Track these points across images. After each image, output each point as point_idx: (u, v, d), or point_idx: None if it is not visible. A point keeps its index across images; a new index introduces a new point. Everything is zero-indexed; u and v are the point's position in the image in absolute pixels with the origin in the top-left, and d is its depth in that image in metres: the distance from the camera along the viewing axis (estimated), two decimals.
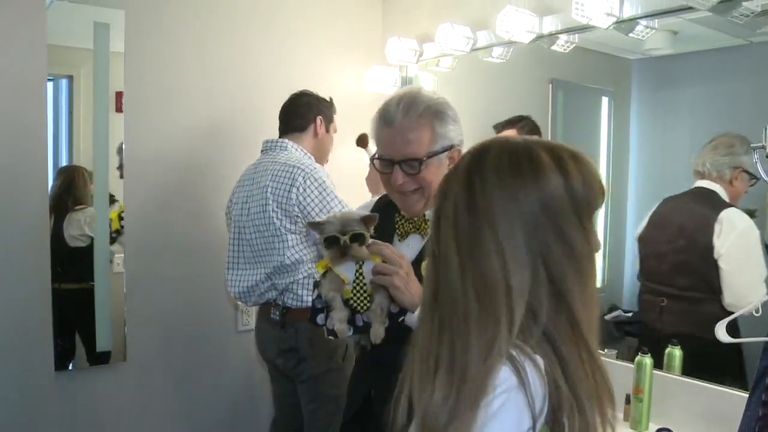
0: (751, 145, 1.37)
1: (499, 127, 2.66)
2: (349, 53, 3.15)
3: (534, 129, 2.60)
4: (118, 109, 2.48)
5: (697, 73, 2.37)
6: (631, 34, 2.25)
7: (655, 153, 2.53)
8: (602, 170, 2.63)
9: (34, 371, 2.18)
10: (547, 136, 2.70)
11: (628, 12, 2.21)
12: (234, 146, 2.81)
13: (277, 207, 2.26)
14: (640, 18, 2.21)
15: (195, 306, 2.75)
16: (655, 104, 2.52)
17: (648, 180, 2.54)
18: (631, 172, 2.56)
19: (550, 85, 2.77)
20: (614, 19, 2.23)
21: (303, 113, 2.44)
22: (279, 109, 2.82)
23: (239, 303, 2.46)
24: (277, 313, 2.32)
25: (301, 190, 2.23)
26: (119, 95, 2.48)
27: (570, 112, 2.82)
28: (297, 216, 2.25)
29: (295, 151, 2.39)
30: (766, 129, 1.29)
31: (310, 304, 2.06)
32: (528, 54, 2.70)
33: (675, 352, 2.18)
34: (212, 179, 2.76)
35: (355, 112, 3.04)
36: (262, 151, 2.45)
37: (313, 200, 2.24)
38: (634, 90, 2.55)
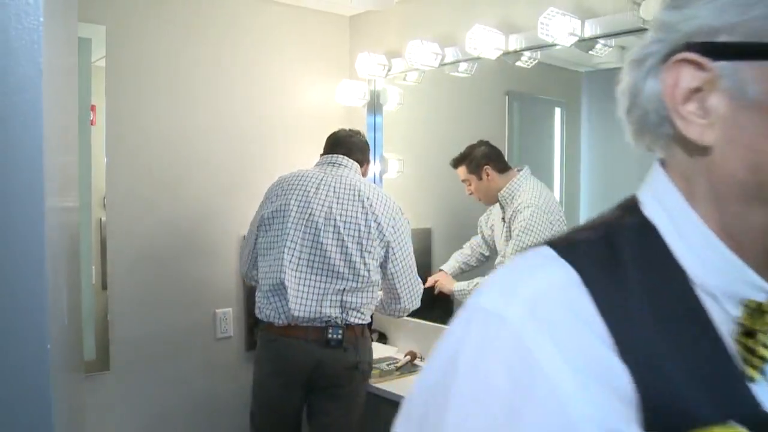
0: None
1: (452, 163, 2.69)
2: (320, 68, 3.16)
3: (486, 155, 2.62)
4: (91, 122, 2.44)
5: None
6: (590, 52, 2.32)
7: (604, 160, 2.57)
8: (556, 177, 2.68)
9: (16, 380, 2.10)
10: (504, 145, 2.72)
11: (588, 32, 2.28)
12: (211, 158, 2.80)
13: (376, 229, 2.25)
14: (600, 37, 2.28)
15: (175, 315, 2.72)
16: (605, 114, 2.52)
17: (598, 186, 2.58)
18: (583, 179, 2.60)
19: (507, 97, 2.81)
20: (576, 39, 2.29)
21: (363, 151, 2.47)
22: (254, 121, 2.90)
23: (292, 310, 2.20)
24: (340, 332, 2.23)
25: (398, 228, 2.28)
26: (92, 108, 2.44)
27: (525, 123, 2.86)
28: (382, 247, 2.25)
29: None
30: None
31: (367, 321, 2.27)
32: (487, 68, 2.73)
33: None
34: (191, 190, 2.74)
35: (325, 124, 3.07)
36: (332, 163, 2.40)
37: (403, 243, 2.30)
38: (584, 101, 2.59)
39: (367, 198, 2.26)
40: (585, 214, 2.61)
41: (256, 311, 2.33)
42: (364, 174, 2.48)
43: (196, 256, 2.77)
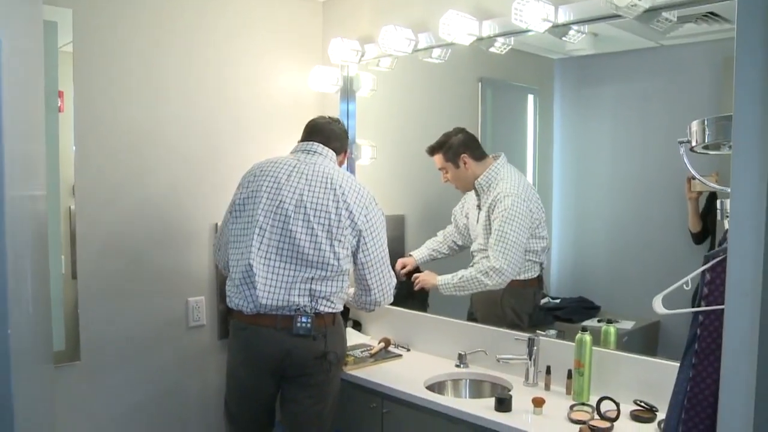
0: (678, 139, 1.37)
1: (428, 150, 2.67)
2: (292, 54, 3.11)
3: (463, 143, 2.60)
4: (59, 109, 2.36)
5: (614, 73, 2.43)
6: (564, 38, 2.30)
7: (576, 146, 2.57)
8: (529, 163, 2.68)
9: None
10: (477, 132, 2.72)
11: (562, 18, 2.27)
12: (183, 145, 2.74)
13: (348, 217, 2.20)
14: (573, 23, 2.26)
15: (146, 304, 2.68)
16: (577, 101, 2.56)
17: (570, 171, 2.60)
18: (555, 164, 2.61)
19: (480, 84, 2.80)
20: (550, 24, 2.27)
21: (341, 140, 2.42)
22: (226, 108, 2.84)
23: (260, 298, 2.15)
24: (308, 321, 2.17)
25: (371, 218, 2.24)
26: (60, 95, 2.36)
27: (498, 109, 2.85)
28: (354, 236, 2.21)
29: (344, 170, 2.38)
30: (689, 126, 1.31)
31: (339, 310, 2.23)
32: (460, 54, 2.70)
33: (610, 329, 2.27)
34: (162, 178, 2.69)
35: (299, 111, 3.06)
36: (306, 151, 2.34)
37: (376, 234, 2.25)
38: (557, 87, 2.58)
39: (340, 186, 2.22)
40: (558, 200, 2.61)
41: (227, 300, 2.29)
42: (341, 163, 2.44)
43: (168, 245, 2.72)
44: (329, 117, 2.46)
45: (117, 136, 2.56)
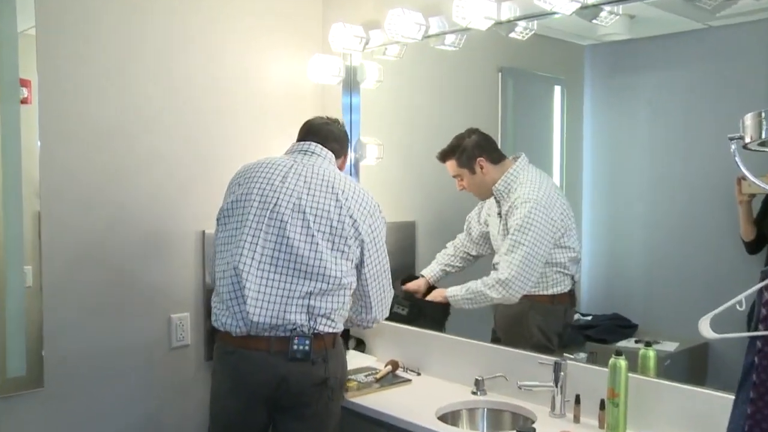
0: (728, 135, 1.29)
1: (440, 156, 2.63)
2: (288, 41, 3.01)
3: (478, 145, 2.55)
4: (23, 101, 2.25)
5: (653, 60, 2.35)
6: (594, 21, 2.20)
7: (609, 143, 2.51)
8: (555, 164, 2.63)
9: None
10: (497, 129, 2.67)
11: None
12: (165, 144, 2.63)
13: (351, 226, 2.12)
14: (606, 4, 2.15)
15: (123, 321, 2.54)
16: (609, 92, 2.50)
17: (603, 172, 2.54)
18: (586, 164, 2.55)
19: (500, 74, 2.75)
20: (578, 5, 2.17)
21: (340, 142, 2.36)
22: (214, 102, 2.76)
23: (251, 315, 2.05)
24: (307, 343, 2.08)
25: (375, 228, 2.19)
26: (25, 84, 2.25)
27: (521, 102, 2.81)
28: (358, 247, 2.14)
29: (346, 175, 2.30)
30: (743, 119, 1.23)
31: (339, 330, 2.16)
32: (476, 41, 2.62)
33: (649, 353, 2.15)
34: (143, 181, 2.58)
35: (296, 105, 2.98)
36: (303, 151, 2.26)
37: (380, 245, 2.21)
38: (587, 77, 2.52)
39: (342, 191, 2.14)
40: (588, 204, 2.55)
41: (212, 319, 2.18)
42: (340, 167, 2.36)
43: (148, 255, 2.60)
44: (327, 117, 2.39)
45: (89, 132, 2.44)
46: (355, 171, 3.06)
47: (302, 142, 2.29)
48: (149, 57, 2.59)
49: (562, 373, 2.24)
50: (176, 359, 2.71)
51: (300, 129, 2.36)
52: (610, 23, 2.20)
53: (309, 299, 2.09)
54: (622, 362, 2.05)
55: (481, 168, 2.53)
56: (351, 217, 2.12)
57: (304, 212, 2.10)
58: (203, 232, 2.72)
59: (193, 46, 2.71)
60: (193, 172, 2.72)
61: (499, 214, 2.55)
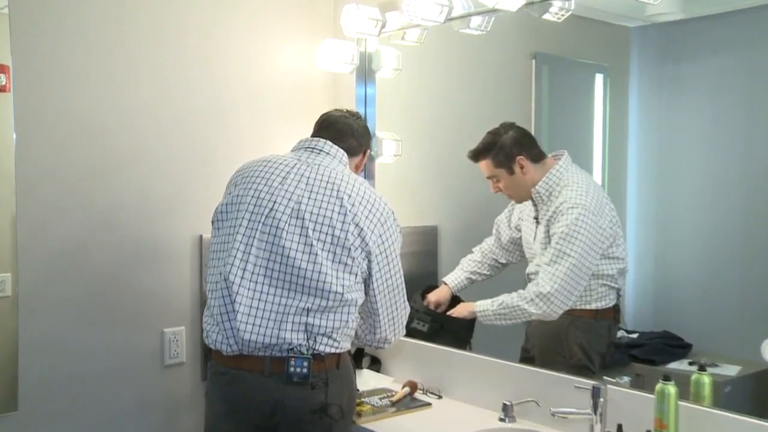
0: None
1: (472, 156, 2.53)
2: (296, 24, 2.90)
3: (517, 142, 2.44)
4: (0, 89, 2.18)
5: (711, 43, 2.26)
6: None
7: (659, 138, 2.43)
8: (596, 163, 2.55)
9: None
10: (530, 123, 2.59)
11: None
12: (158, 139, 2.54)
13: (357, 235, 2.02)
14: None
15: (110, 336, 2.45)
16: (660, 81, 2.40)
17: (651, 172, 2.45)
18: (631, 163, 2.50)
19: (534, 61, 2.68)
20: None
21: (359, 138, 2.25)
22: (212, 93, 2.68)
23: (242, 332, 1.99)
24: (305, 365, 1.99)
25: (386, 238, 2.09)
26: (3, 70, 2.18)
27: (557, 93, 2.73)
28: (364, 259, 2.05)
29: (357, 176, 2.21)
30: None
31: (344, 349, 2.08)
32: (507, 24, 2.55)
33: (704, 378, 2.01)
34: (133, 179, 2.49)
35: (306, 95, 2.88)
36: (310, 149, 2.17)
37: (392, 257, 2.11)
38: (633, 64, 2.44)
39: (349, 195, 2.04)
40: (635, 209, 2.47)
41: (204, 336, 2.09)
42: (357, 167, 2.28)
43: (139, 262, 2.50)
44: (347, 110, 2.30)
45: (71, 124, 2.35)
46: (370, 170, 2.97)
47: (311, 139, 2.21)
48: (140, 41, 2.51)
49: (601, 399, 2.12)
50: (170, 378, 2.61)
51: (317, 121, 2.28)
52: (660, 1, 2.12)
53: (307, 316, 2.02)
54: (672, 388, 1.91)
55: (521, 168, 2.42)
56: (357, 225, 2.04)
57: (303, 218, 2.02)
58: (200, 236, 2.62)
59: (188, 31, 2.62)
60: (189, 171, 2.64)
61: (536, 219, 2.44)
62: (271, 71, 2.85)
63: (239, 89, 2.76)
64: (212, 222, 2.13)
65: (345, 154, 2.19)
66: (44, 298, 2.30)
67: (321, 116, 2.29)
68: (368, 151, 2.34)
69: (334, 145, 2.18)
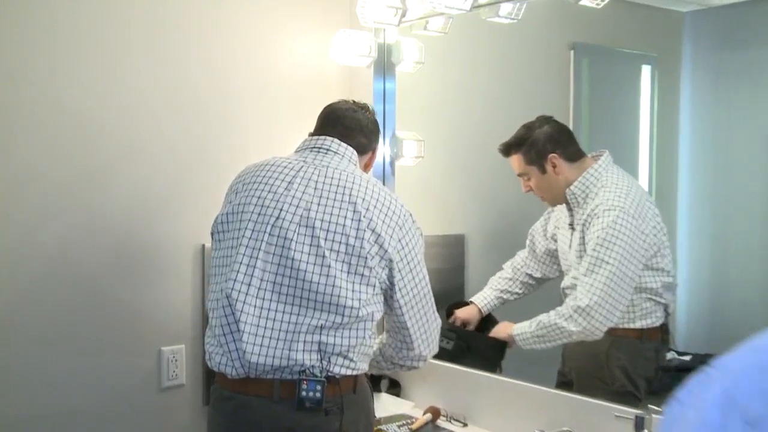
0: None
1: (503, 149, 2.47)
2: (308, 13, 2.81)
3: (551, 138, 2.37)
4: None
5: None
6: None
7: (715, 139, 2.35)
8: (642, 164, 2.47)
9: None
10: (568, 120, 2.50)
11: None
12: (154, 140, 2.45)
13: (374, 242, 1.95)
14: None
15: (101, 356, 2.34)
16: (716, 72, 2.31)
17: (705, 176, 2.38)
18: (682, 166, 2.42)
19: (572, 52, 2.59)
20: None
21: (368, 134, 2.18)
22: (215, 88, 2.61)
23: (248, 354, 1.92)
24: (318, 389, 1.92)
25: (407, 242, 2.03)
26: None
27: (598, 87, 2.67)
28: (384, 268, 1.98)
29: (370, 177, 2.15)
30: None
31: (361, 371, 2.04)
32: (541, 11, 2.51)
33: None
34: (125, 183, 2.40)
35: (318, 92, 2.75)
36: (317, 149, 2.10)
37: (415, 262, 2.04)
38: (686, 54, 2.34)
39: (363, 199, 1.97)
40: (686, 216, 2.40)
41: (206, 358, 2.00)
42: (367, 166, 2.21)
43: (134, 273, 2.40)
44: (353, 101, 2.22)
45: (57, 120, 2.25)
46: (390, 173, 2.89)
47: (317, 137, 2.13)
48: (137, 30, 2.42)
49: (645, 431, 2.04)
50: (168, 403, 2.51)
51: (318, 116, 2.19)
52: None
53: (320, 334, 1.94)
54: None
55: (554, 166, 2.34)
56: (373, 231, 1.97)
57: (313, 227, 1.96)
58: (203, 246, 2.51)
59: (190, 22, 2.54)
60: (191, 172, 2.55)
61: (571, 225, 2.35)
62: (281, 65, 2.76)
63: (245, 84, 2.68)
64: (212, 234, 2.05)
65: (354, 153, 2.12)
66: (23, 313, 2.21)
67: (325, 109, 2.20)
68: (376, 150, 2.28)
69: (343, 143, 2.11)
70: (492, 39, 2.73)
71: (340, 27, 2.81)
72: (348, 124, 2.13)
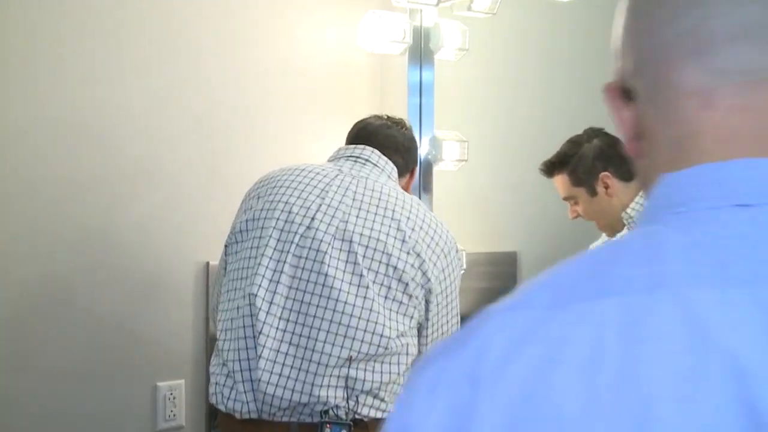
0: None
1: (545, 169, 2.38)
2: None
3: (602, 154, 2.25)
4: None
5: None
6: None
7: None
8: None
9: None
10: None
11: None
12: (157, 144, 2.31)
13: (417, 268, 1.88)
14: None
15: (89, 391, 2.19)
16: None
17: None
18: None
19: None
20: None
21: (405, 153, 2.12)
22: (227, 84, 2.49)
23: (262, 383, 1.79)
24: None
25: (449, 273, 1.98)
26: None
27: None
28: (423, 298, 1.92)
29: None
30: None
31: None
32: None
33: None
34: (123, 196, 2.27)
35: (343, 82, 2.63)
36: (354, 158, 2.03)
37: (452, 296, 2.00)
38: None
39: (407, 218, 1.88)
40: None
41: (210, 392, 1.85)
42: (405, 189, 2.13)
43: (128, 297, 2.23)
44: (387, 117, 2.13)
45: (48, 127, 2.13)
46: (427, 180, 2.70)
47: (353, 146, 2.04)
48: (137, 18, 2.28)
49: None
50: None
51: (348, 134, 2.11)
52: None
53: (348, 368, 1.80)
54: None
55: (606, 187, 2.20)
56: (418, 255, 1.86)
57: (351, 240, 1.82)
58: (207, 264, 2.35)
59: (202, 8, 2.40)
60: (193, 181, 2.39)
61: None
62: (302, 54, 2.61)
63: (263, 78, 2.53)
64: (226, 246, 1.88)
65: (395, 169, 2.02)
66: (5, 341, 2.09)
67: (355, 125, 2.12)
68: (415, 171, 2.19)
69: (383, 156, 2.00)
70: (549, 21, 2.59)
71: (368, 8, 2.62)
72: (381, 142, 2.04)
